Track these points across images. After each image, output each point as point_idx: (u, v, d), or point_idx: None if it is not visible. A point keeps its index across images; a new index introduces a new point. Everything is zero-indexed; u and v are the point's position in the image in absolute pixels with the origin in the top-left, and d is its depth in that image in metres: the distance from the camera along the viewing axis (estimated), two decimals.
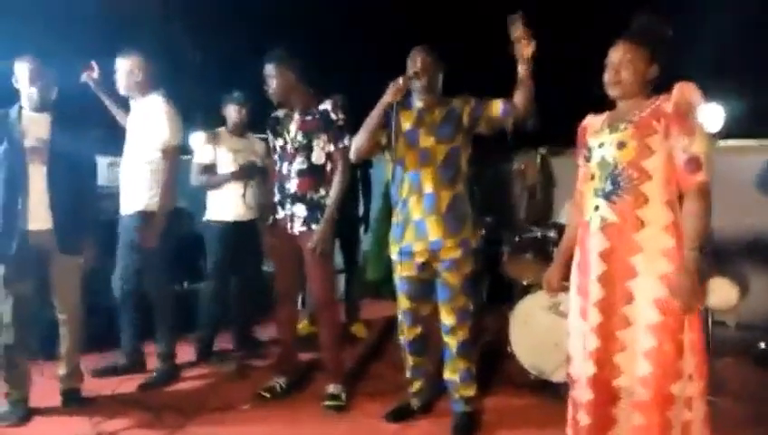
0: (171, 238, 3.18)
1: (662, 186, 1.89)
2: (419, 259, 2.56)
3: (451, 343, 2.62)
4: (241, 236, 3.63)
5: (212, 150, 3.63)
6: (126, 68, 3.17)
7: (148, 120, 3.14)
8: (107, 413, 2.78)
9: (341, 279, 4.31)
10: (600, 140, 2.00)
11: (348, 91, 2.94)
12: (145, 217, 3.11)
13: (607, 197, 1.94)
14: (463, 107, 2.55)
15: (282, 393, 2.99)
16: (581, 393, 1.98)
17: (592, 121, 2.13)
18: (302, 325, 4.04)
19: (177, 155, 3.19)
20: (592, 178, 2.01)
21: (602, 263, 1.94)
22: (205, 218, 3.70)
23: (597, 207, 1.97)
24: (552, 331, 3.09)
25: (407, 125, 2.58)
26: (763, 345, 3.73)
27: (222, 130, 3.72)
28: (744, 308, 3.51)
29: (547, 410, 2.84)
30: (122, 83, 3.21)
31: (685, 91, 1.86)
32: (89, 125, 3.05)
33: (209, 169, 3.63)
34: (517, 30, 2.28)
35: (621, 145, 1.92)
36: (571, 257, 2.16)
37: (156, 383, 3.16)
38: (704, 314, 1.95)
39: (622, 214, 1.91)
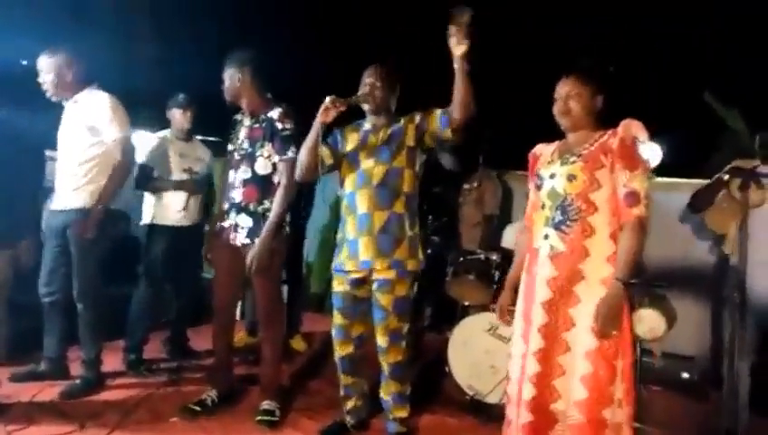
0: (105, 239, 3.03)
1: (608, 218, 1.98)
2: (354, 275, 2.54)
3: (384, 364, 2.60)
4: (181, 241, 3.51)
5: (155, 153, 3.52)
6: (53, 68, 2.96)
7: (89, 116, 2.98)
8: (23, 421, 2.61)
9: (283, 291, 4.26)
10: (551, 170, 2.08)
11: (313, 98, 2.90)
12: (81, 213, 2.95)
13: (557, 226, 2.02)
14: (407, 125, 2.54)
15: (213, 407, 2.89)
16: (521, 415, 2.01)
17: (544, 151, 2.22)
18: (240, 337, 3.95)
19: (129, 146, 3.05)
20: (543, 207, 2.09)
21: (548, 290, 2.00)
22: (143, 222, 3.57)
23: (547, 236, 2.04)
24: (490, 353, 3.15)
25: (350, 146, 2.59)
26: (686, 375, 3.91)
27: (166, 133, 3.61)
28: (669, 338, 3.67)
29: (481, 431, 2.88)
30: (51, 85, 2.98)
31: (630, 127, 1.96)
32: (36, 119, 2.88)
33: (149, 171, 3.51)
34: (455, 25, 2.21)
35: (571, 177, 2.01)
36: (519, 283, 2.22)
37: (79, 391, 2.98)
38: (634, 343, 2.03)
39: (571, 244, 1.99)
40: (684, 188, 3.46)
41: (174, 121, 3.60)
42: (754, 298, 2.76)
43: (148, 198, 3.56)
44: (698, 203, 3.11)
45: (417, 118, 2.53)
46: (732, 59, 3.98)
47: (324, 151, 2.53)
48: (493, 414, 2.90)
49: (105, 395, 3.04)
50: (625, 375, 1.94)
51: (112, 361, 3.33)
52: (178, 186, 3.50)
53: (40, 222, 3.17)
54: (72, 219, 2.94)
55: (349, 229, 2.54)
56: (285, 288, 4.16)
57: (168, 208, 3.51)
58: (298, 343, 4.15)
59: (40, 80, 2.99)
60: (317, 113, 2.43)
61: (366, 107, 2.56)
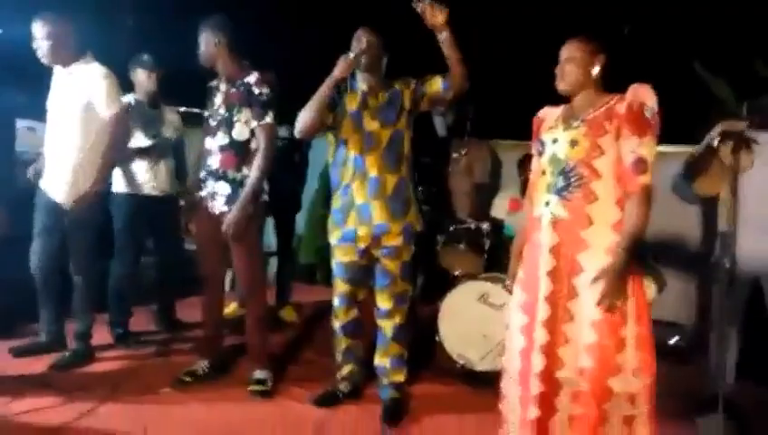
0: (100, 213, 2.98)
1: (612, 185, 1.94)
2: (361, 244, 2.54)
3: (386, 326, 2.63)
4: (154, 211, 3.41)
5: None
6: (49, 34, 2.85)
7: (85, 91, 2.89)
8: (13, 393, 2.59)
9: (273, 262, 4.23)
10: (554, 135, 2.04)
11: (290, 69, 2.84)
12: (77, 195, 2.89)
13: (558, 193, 1.98)
14: (404, 89, 2.55)
15: (204, 377, 2.88)
16: (533, 386, 1.97)
17: (548, 114, 2.16)
18: (231, 308, 3.93)
19: (123, 121, 2.99)
20: (544, 173, 2.05)
21: (552, 258, 1.97)
22: (113, 190, 3.39)
23: (548, 203, 2.01)
24: (481, 322, 3.15)
25: (352, 107, 2.55)
26: (672, 341, 3.97)
27: (130, 97, 3.39)
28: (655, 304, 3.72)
29: (471, 398, 2.91)
30: (47, 51, 2.87)
31: (639, 92, 1.91)
32: (6, 87, 2.79)
33: None
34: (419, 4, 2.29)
35: (573, 143, 1.96)
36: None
37: (69, 363, 2.96)
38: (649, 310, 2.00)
39: (573, 211, 1.95)
40: (670, 156, 3.45)
41: (138, 84, 3.43)
42: (742, 263, 2.78)
43: (118, 166, 3.40)
44: (692, 172, 3.09)
45: (413, 83, 2.55)
46: (718, 28, 3.97)
47: (326, 110, 2.51)
48: (484, 381, 2.92)
49: (95, 367, 3.02)
50: (641, 343, 1.91)
51: (100, 334, 3.29)
52: (142, 153, 3.38)
53: (11, 191, 3.07)
54: (70, 201, 2.89)
55: (357, 193, 2.51)
56: (275, 259, 4.18)
57: (138, 176, 3.39)
58: (289, 314, 4.14)
59: (35, 45, 2.88)
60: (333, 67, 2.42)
61: (361, 65, 2.51)
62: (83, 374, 2.92)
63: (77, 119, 2.90)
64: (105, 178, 2.97)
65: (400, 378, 2.69)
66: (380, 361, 2.69)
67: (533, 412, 1.97)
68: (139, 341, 3.40)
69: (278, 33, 4.60)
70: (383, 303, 2.60)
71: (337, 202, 2.59)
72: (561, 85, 2.04)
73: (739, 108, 3.01)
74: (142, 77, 3.41)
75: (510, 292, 2.26)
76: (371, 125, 2.51)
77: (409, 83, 2.55)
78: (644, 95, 1.90)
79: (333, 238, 2.61)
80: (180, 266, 3.73)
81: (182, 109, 3.83)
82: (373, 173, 2.49)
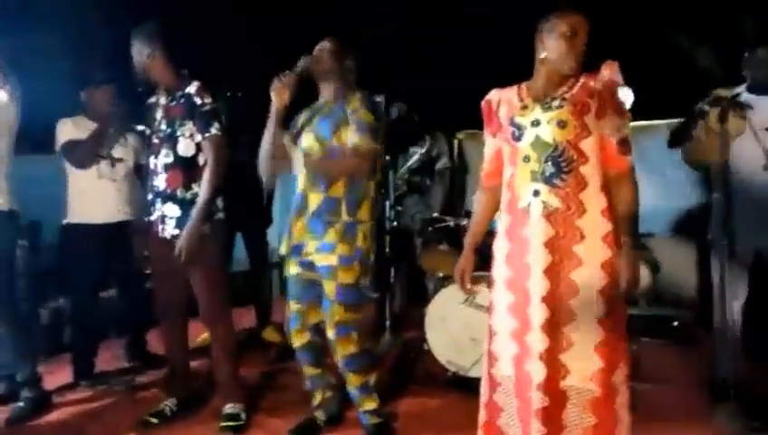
0: (9, 245, 2.72)
1: (597, 168, 1.80)
2: (304, 257, 2.34)
3: (337, 357, 2.38)
4: (113, 240, 3.16)
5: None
6: None
7: None
8: None
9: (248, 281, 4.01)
10: (533, 117, 1.83)
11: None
12: None
13: (548, 180, 1.78)
14: (349, 104, 2.32)
15: (173, 416, 2.64)
16: (535, 400, 1.75)
17: (504, 96, 1.95)
18: (204, 336, 3.69)
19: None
20: (526, 159, 1.83)
21: (547, 253, 1.77)
22: (65, 221, 3.16)
23: (537, 192, 1.80)
24: (469, 325, 2.96)
25: (299, 126, 2.41)
26: (675, 323, 3.79)
27: (79, 118, 3.15)
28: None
29: (465, 408, 2.67)
30: None
31: (614, 69, 1.79)
32: None
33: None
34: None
35: (561, 124, 1.78)
36: (478, 244, 2.07)
37: (25, 413, 2.71)
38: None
39: (566, 199, 1.77)
40: (661, 128, 3.28)
41: (89, 103, 3.17)
42: (741, 235, 2.59)
43: (73, 194, 3.16)
44: (677, 138, 2.91)
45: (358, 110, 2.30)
46: None
47: (287, 140, 2.36)
48: (477, 389, 2.70)
49: (55, 414, 2.78)
50: (623, 328, 1.81)
51: (62, 375, 3.06)
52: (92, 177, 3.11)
53: None
54: None
55: (293, 209, 2.37)
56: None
57: (95, 203, 3.14)
58: (271, 334, 3.91)
59: None
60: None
61: (319, 74, 2.34)
62: (42, 424, 2.68)
63: None
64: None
65: (372, 405, 2.44)
66: (348, 388, 2.45)
67: (539, 430, 1.73)
68: (103, 380, 3.16)
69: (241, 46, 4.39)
70: (327, 331, 2.35)
71: (292, 212, 2.40)
72: (570, 62, 1.80)
73: (723, 74, 2.87)
74: (96, 95, 3.15)
75: (465, 291, 2.12)
76: (307, 140, 2.35)
77: (355, 107, 2.30)
78: (618, 72, 1.79)
79: (283, 249, 2.41)
80: (146, 295, 3.48)
81: (140, 127, 3.58)
82: (299, 189, 2.35)
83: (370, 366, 2.45)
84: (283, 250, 2.41)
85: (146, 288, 3.44)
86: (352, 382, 2.40)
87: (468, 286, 2.10)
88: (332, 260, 2.27)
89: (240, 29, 4.29)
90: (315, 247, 2.29)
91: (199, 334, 3.50)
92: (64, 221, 3.17)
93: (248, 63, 3.84)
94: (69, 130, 3.09)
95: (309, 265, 2.33)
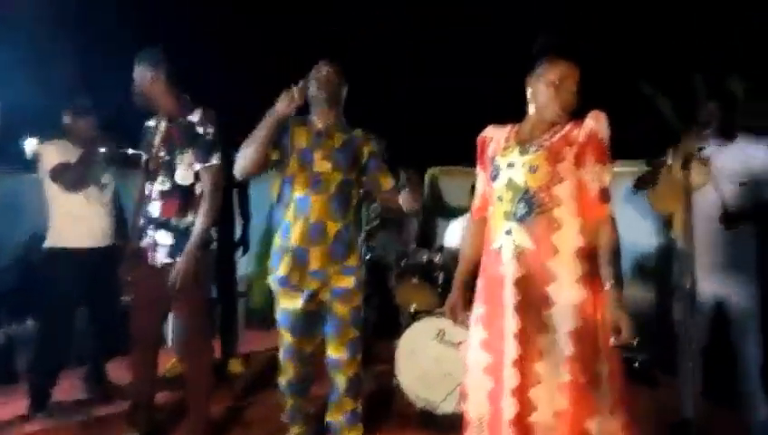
0: None
1: (574, 212, 1.82)
2: (307, 288, 2.32)
3: (339, 379, 2.40)
4: (98, 265, 3.08)
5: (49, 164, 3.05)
6: None
7: None
8: None
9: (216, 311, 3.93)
10: (509, 160, 1.88)
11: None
12: None
13: (520, 220, 1.82)
14: (363, 144, 2.41)
15: None
16: None
17: (496, 135, 2.00)
18: (171, 364, 3.60)
19: None
20: (501, 199, 1.88)
21: (517, 291, 1.80)
22: (47, 245, 3.09)
23: (509, 232, 1.84)
24: (440, 361, 2.96)
25: (301, 144, 2.35)
26: (637, 364, 3.86)
27: (62, 142, 3.10)
28: None
29: None
30: None
31: (599, 119, 1.82)
32: None
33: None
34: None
35: (533, 169, 1.83)
36: (467, 280, 2.07)
37: None
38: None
39: (537, 239, 1.80)
40: (626, 175, 3.40)
41: (72, 129, 3.12)
42: (701, 283, 2.69)
43: (56, 217, 3.08)
44: (641, 183, 3.04)
45: (372, 143, 2.44)
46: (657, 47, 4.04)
47: (271, 147, 2.32)
48: (445, 427, 2.70)
49: None
50: (615, 378, 1.78)
51: (17, 407, 2.93)
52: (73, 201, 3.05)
53: None
54: None
55: (296, 237, 2.30)
56: (218, 308, 3.87)
57: (76, 228, 3.08)
58: (235, 366, 3.83)
59: None
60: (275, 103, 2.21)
61: (319, 99, 2.34)
62: None
63: None
64: None
65: (357, 434, 2.46)
66: (333, 417, 2.45)
67: None
68: (61, 412, 3.02)
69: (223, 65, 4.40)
70: (335, 352, 2.37)
71: (276, 243, 2.38)
72: (555, 109, 1.86)
73: (679, 123, 3.00)
74: (79, 123, 3.10)
75: (458, 324, 2.09)
76: (322, 166, 2.32)
77: (369, 141, 2.42)
78: (603, 122, 1.82)
79: (273, 283, 2.38)
80: (117, 322, 3.34)
81: (124, 151, 3.52)
82: (314, 218, 2.29)
83: (361, 394, 2.50)
84: (273, 285, 2.38)
85: (117, 315, 3.34)
86: (346, 408, 2.43)
87: (461, 320, 2.08)
88: (351, 283, 2.34)
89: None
90: (336, 271, 2.33)
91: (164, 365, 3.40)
92: (47, 245, 3.08)
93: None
94: (55, 154, 3.04)
95: (311, 296, 2.33)
